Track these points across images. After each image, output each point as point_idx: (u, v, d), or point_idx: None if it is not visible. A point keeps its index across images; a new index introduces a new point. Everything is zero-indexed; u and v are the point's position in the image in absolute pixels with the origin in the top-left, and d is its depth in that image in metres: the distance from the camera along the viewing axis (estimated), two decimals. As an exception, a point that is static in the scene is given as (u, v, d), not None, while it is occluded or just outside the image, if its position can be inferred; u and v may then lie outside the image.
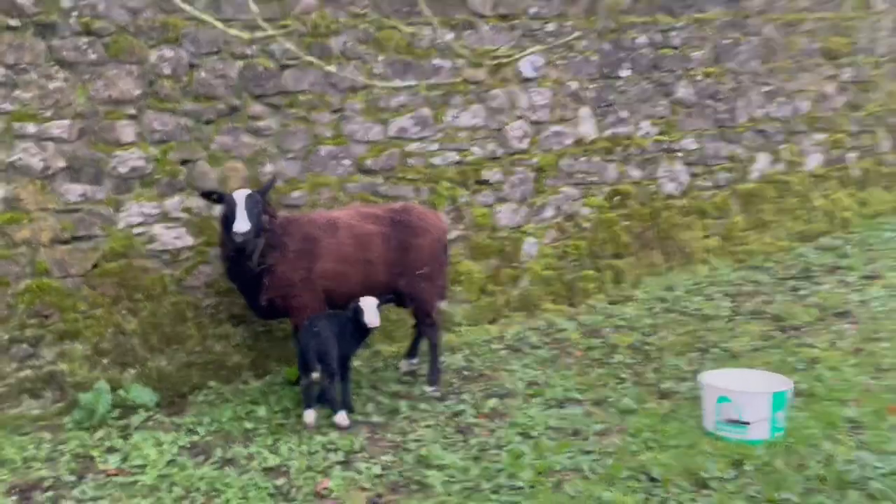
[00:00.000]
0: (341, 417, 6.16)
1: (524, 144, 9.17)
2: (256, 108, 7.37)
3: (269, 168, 7.43)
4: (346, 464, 5.56)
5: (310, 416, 6.15)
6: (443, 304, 7.35)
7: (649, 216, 10.34)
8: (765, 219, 11.46)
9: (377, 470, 5.43)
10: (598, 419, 6.28)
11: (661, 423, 6.12)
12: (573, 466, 5.47)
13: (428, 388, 6.91)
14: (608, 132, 9.97)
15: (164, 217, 6.91)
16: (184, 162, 7.02)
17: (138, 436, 5.90)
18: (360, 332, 6.42)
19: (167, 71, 6.92)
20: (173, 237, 6.94)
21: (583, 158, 9.71)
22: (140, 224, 6.80)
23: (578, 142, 9.67)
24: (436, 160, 8.49)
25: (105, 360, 6.61)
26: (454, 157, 8.62)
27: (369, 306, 6.30)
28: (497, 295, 8.94)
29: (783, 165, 11.67)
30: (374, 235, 6.72)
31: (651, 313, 9.05)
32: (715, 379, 6.09)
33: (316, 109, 7.72)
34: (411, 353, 7.46)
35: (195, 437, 5.95)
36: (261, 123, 7.39)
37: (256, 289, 6.52)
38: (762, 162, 11.43)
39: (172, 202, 6.94)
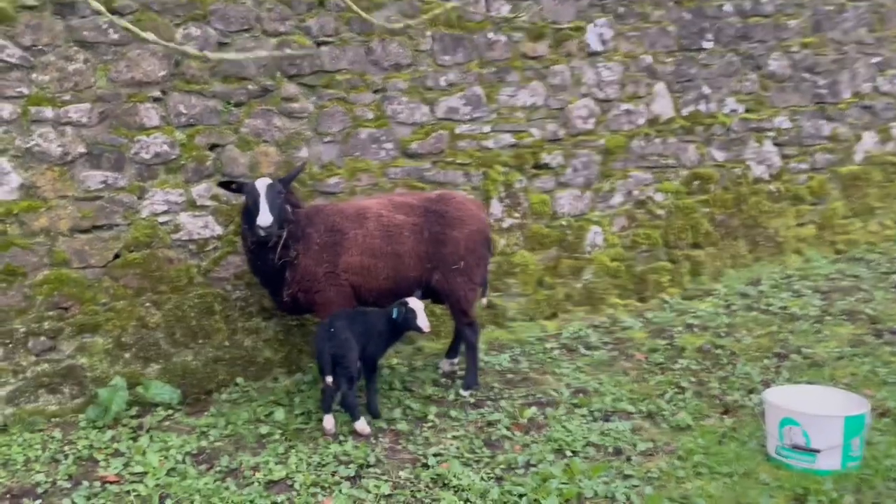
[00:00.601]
0: (362, 425, 5.69)
1: (589, 124, 8.44)
2: (290, 88, 6.92)
3: (303, 153, 6.98)
4: (355, 479, 5.07)
5: (329, 421, 5.70)
6: (483, 302, 6.75)
7: (734, 202, 9.44)
8: (870, 205, 10.35)
9: (387, 489, 4.92)
10: (645, 436, 5.60)
11: (716, 444, 5.40)
12: (606, 494, 4.83)
13: (464, 392, 6.36)
14: (687, 110, 9.11)
15: (191, 205, 6.56)
16: (212, 147, 6.65)
17: (146, 438, 5.57)
18: (394, 333, 5.95)
19: (194, 51, 6.54)
20: (200, 226, 6.59)
21: (657, 139, 8.89)
22: (165, 212, 6.47)
23: (653, 121, 8.86)
24: (489, 143, 7.86)
25: (127, 355, 6.33)
26: (509, 139, 7.97)
27: (420, 308, 5.80)
28: (556, 288, 8.28)
29: (893, 145, 10.49)
30: (405, 227, 6.18)
31: (729, 311, 8.22)
32: (780, 397, 5.31)
33: (356, 89, 7.21)
34: (451, 351, 6.92)
35: (205, 442, 5.59)
36: (295, 105, 6.95)
37: (280, 283, 6.10)
38: (868, 141, 10.30)
39: (199, 189, 6.58)
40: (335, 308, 6.11)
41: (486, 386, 6.53)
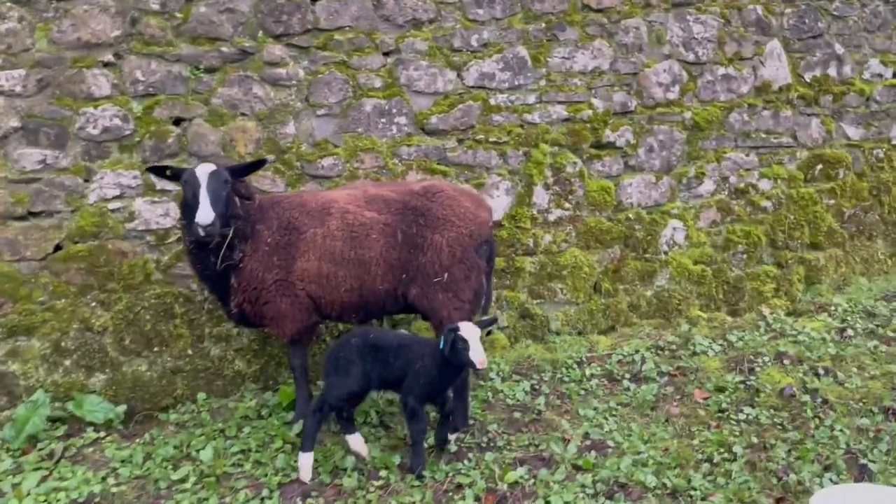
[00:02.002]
0: (304, 462, 4.61)
1: (673, 94, 6.75)
2: (276, 50, 5.76)
3: (290, 128, 5.83)
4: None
5: (356, 442, 4.72)
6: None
7: (870, 192, 7.48)
8: None
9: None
10: (654, 531, 4.12)
11: (745, 557, 3.84)
12: None
13: (450, 436, 5.06)
14: (811, 75, 7.20)
15: (149, 189, 5.58)
16: (176, 121, 5.62)
17: (35, 477, 4.66)
18: (445, 368, 4.54)
19: (155, 6, 5.51)
20: (159, 214, 5.61)
21: (766, 112, 7.06)
22: (116, 198, 5.53)
23: (761, 89, 7.04)
24: (533, 116, 6.39)
25: (67, 362, 5.49)
26: (561, 111, 6.46)
27: (474, 337, 4.37)
28: (618, 295, 6.74)
29: None
30: (374, 227, 4.91)
31: (842, 336, 6.38)
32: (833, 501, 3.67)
33: (360, 51, 5.95)
34: (452, 378, 5.62)
35: (106, 485, 4.62)
36: (281, 71, 5.78)
37: (227, 291, 5.01)
38: None
39: (159, 171, 5.59)
40: (289, 324, 4.98)
41: (482, 428, 5.19)
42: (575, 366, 6.08)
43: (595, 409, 5.42)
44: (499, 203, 6.34)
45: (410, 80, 6.07)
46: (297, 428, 5.11)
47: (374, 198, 5.03)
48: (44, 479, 4.69)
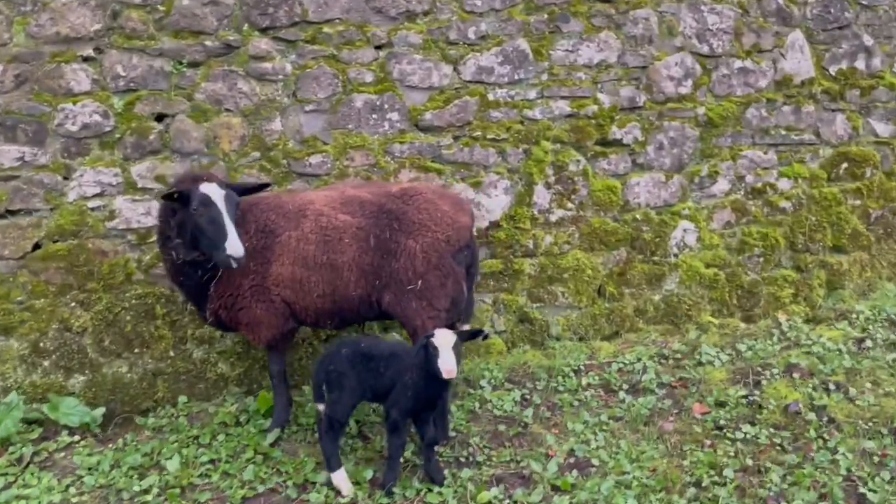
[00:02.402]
0: (338, 479, 4.43)
1: (685, 88, 6.41)
2: (262, 44, 5.56)
3: (276, 124, 5.64)
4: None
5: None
6: (464, 328, 5.13)
7: (900, 192, 7.04)
8: None
9: None
10: (625, 563, 3.86)
11: None
12: None
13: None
14: (836, 68, 6.80)
15: (130, 187, 5.44)
16: (158, 117, 5.47)
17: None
18: (427, 378, 4.28)
19: (137, -2, 5.37)
20: (141, 213, 5.47)
21: (787, 107, 6.69)
22: (97, 196, 5.40)
23: (781, 83, 6.66)
24: (535, 112, 6.11)
25: (45, 363, 5.40)
26: (564, 107, 6.16)
27: (445, 344, 4.14)
28: (623, 300, 6.45)
29: None
30: (347, 230, 4.70)
31: (860, 347, 6.01)
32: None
33: (350, 45, 5.73)
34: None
35: (67, 494, 4.50)
36: (267, 65, 5.59)
37: (205, 297, 4.84)
38: None
39: (140, 168, 5.45)
40: (265, 330, 4.82)
41: (464, 441, 4.96)
42: (572, 374, 5.82)
43: (585, 422, 5.15)
44: (497, 203, 6.09)
45: (404, 74, 5.84)
46: (272, 437, 4.95)
47: (350, 200, 4.82)
48: (8, 485, 4.59)
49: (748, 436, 4.90)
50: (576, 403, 5.44)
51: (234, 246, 4.35)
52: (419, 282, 4.64)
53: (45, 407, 5.20)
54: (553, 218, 6.24)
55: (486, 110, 6.01)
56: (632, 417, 5.20)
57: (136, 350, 5.53)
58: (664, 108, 6.37)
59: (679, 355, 6.06)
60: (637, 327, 6.46)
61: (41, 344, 5.38)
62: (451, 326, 4.73)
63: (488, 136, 6.02)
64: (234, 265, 4.39)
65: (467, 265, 4.89)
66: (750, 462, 4.60)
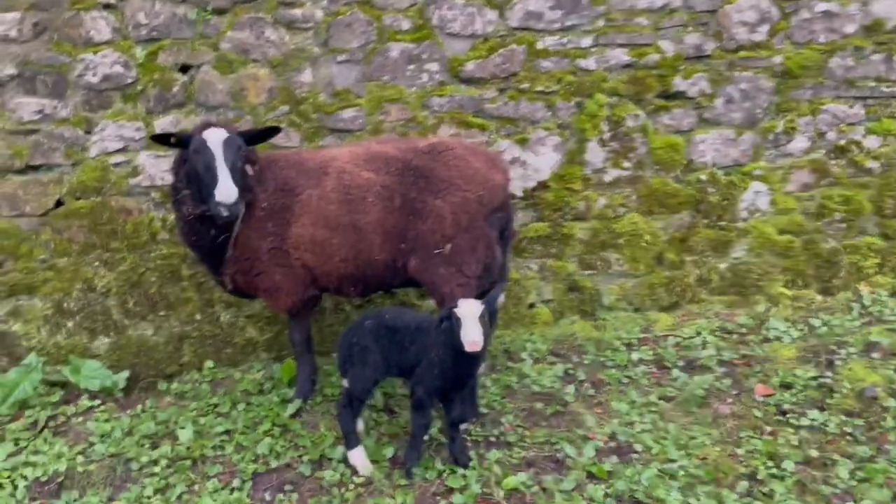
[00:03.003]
0: (356, 457, 4.12)
1: (759, 35, 5.77)
2: (291, -11, 5.21)
3: (306, 76, 5.29)
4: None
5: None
6: (499, 302, 4.70)
7: None
8: None
9: None
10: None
11: None
12: None
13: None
14: (939, 10, 6.02)
15: (153, 142, 5.17)
16: (182, 68, 5.18)
17: (5, 449, 4.40)
18: (464, 357, 3.81)
19: (159, -59, 5.06)
20: (164, 170, 5.20)
21: (877, 56, 5.97)
22: (119, 151, 5.18)
23: (871, 28, 5.93)
24: (588, 62, 5.58)
25: (70, 324, 5.24)
26: (621, 56, 5.62)
27: (470, 315, 3.72)
28: (685, 268, 5.91)
29: None
30: (370, 189, 4.31)
31: (953, 324, 5.36)
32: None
33: (386, -11, 5.32)
34: (473, 358, 5.03)
35: (75, 462, 4.30)
36: (297, 12, 5.23)
37: (220, 261, 4.55)
38: None
39: (164, 122, 5.19)
40: (284, 297, 4.50)
41: (495, 419, 4.57)
42: (622, 348, 5.36)
43: (632, 402, 4.70)
44: (545, 161, 5.61)
45: (444, 21, 5.39)
46: (293, 408, 4.67)
47: (375, 156, 4.43)
48: (20, 450, 4.44)
49: (815, 423, 4.37)
50: (624, 381, 4.98)
51: (224, 191, 4.00)
52: (447, 246, 4.24)
53: (65, 369, 5.03)
54: (607, 178, 5.73)
55: (534, 60, 5.51)
56: (684, 398, 4.72)
57: (161, 312, 5.32)
58: (735, 56, 5.74)
59: (744, 330, 5.52)
60: (699, 298, 5.93)
61: (65, 304, 5.22)
62: (483, 295, 4.31)
63: (536, 89, 5.53)
64: (225, 213, 4.03)
65: (501, 228, 4.46)
66: (815, 453, 4.08)
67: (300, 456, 4.28)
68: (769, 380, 4.85)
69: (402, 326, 4.08)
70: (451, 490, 3.96)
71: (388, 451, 4.23)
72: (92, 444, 4.48)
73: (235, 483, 4.07)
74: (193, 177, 4.20)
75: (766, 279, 5.96)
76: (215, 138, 4.13)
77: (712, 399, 4.71)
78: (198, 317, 5.35)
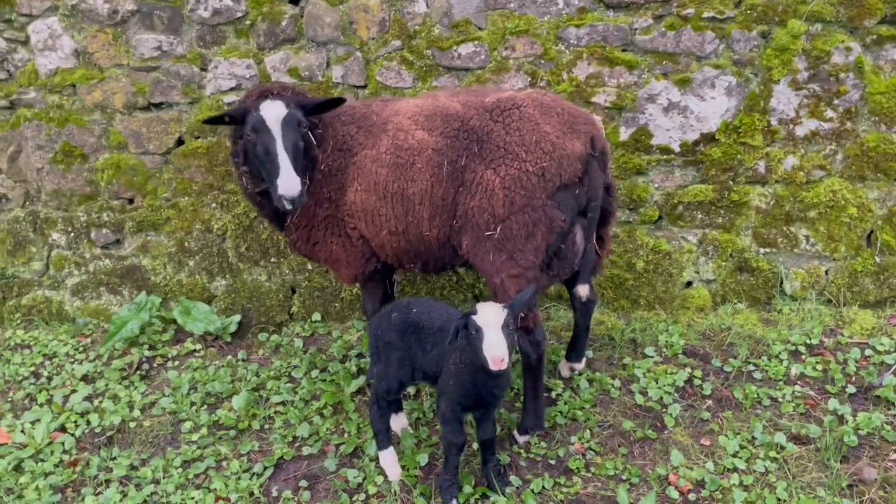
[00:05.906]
0: (386, 459, 3.62)
1: None
2: None
3: (419, 6, 4.59)
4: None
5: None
6: (581, 294, 3.74)
7: None
8: None
9: None
10: None
11: None
12: None
13: (519, 439, 3.78)
14: None
15: (265, 80, 4.85)
16: (293, 0, 4.75)
17: (84, 391, 4.46)
18: (478, 371, 3.11)
19: None
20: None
21: None
22: (232, 90, 4.92)
23: None
24: (781, -23, 4.24)
25: (191, 263, 5.21)
26: (829, -32, 4.19)
27: (492, 324, 2.95)
28: (908, 254, 4.45)
29: None
30: (421, 153, 3.59)
31: None
32: None
33: None
34: (572, 351, 4.19)
35: (130, 416, 4.24)
36: (412, -72, 4.52)
37: (284, 226, 4.13)
38: None
39: (274, 59, 4.81)
40: (345, 269, 3.98)
41: (567, 434, 3.77)
42: (785, 355, 4.17)
43: (750, 439, 3.62)
44: (713, 108, 4.44)
45: (587, -70, 4.36)
46: (355, 385, 4.23)
47: (435, 112, 3.68)
48: (99, 394, 4.51)
49: None
50: (766, 402, 3.86)
51: (286, 184, 3.45)
52: (497, 227, 3.44)
53: (176, 310, 5.04)
54: (801, 131, 4.40)
55: (706, -23, 4.29)
56: (826, 444, 3.53)
57: (272, 259, 5.10)
58: None
59: (972, 348, 4.04)
60: (928, 295, 4.45)
61: (186, 243, 5.19)
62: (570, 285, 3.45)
63: (705, 14, 4.32)
64: (289, 207, 3.51)
65: (581, 206, 3.53)
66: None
67: (336, 445, 3.86)
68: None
69: (427, 325, 3.41)
70: (466, 525, 3.32)
71: (423, 458, 3.66)
72: (163, 395, 4.42)
73: (256, 468, 3.76)
74: (252, 157, 3.76)
75: None
76: (273, 116, 3.60)
77: (864, 452, 3.48)
78: (309, 266, 5.06)
